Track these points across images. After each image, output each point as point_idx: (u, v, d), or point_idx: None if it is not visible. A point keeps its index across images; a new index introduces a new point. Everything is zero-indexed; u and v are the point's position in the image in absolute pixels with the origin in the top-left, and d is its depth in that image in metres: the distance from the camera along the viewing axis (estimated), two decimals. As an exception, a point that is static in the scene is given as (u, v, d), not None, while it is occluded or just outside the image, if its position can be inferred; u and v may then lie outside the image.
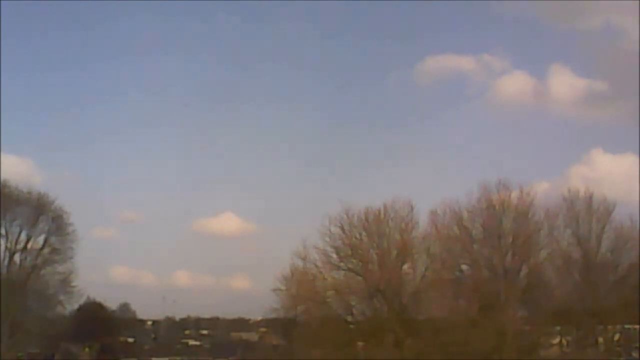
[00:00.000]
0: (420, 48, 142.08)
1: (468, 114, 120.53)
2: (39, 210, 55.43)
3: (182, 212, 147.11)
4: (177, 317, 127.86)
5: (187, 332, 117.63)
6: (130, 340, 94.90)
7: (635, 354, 48.04)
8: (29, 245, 54.98)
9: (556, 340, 49.98)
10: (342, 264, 49.51)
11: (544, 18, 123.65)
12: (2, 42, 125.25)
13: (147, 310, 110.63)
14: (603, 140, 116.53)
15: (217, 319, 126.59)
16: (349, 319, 50.67)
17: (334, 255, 49.36)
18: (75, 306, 64.50)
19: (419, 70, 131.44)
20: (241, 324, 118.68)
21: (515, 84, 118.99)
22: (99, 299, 77.37)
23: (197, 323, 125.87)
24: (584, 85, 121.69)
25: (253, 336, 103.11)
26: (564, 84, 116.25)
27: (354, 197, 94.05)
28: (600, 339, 48.33)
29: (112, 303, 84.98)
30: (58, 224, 56.24)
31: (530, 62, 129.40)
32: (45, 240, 55.70)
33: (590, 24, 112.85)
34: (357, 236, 49.24)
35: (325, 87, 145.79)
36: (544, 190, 51.04)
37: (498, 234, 47.99)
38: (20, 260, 55.07)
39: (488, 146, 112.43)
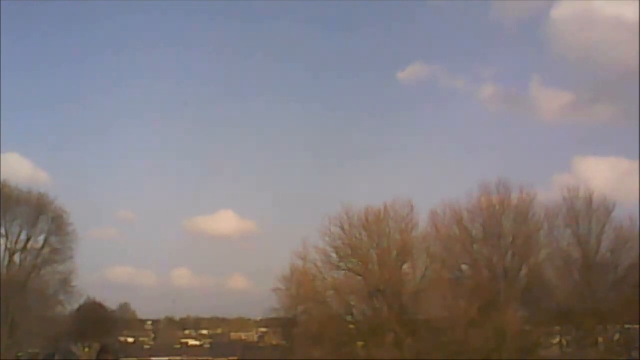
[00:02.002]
0: (415, 54, 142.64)
1: (466, 118, 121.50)
2: (39, 210, 55.39)
3: (182, 212, 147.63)
4: (177, 317, 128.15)
5: (187, 332, 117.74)
6: (130, 340, 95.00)
7: (635, 354, 47.98)
8: (29, 245, 54.96)
9: (556, 340, 49.98)
10: (342, 264, 49.53)
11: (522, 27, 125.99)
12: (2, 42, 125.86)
13: (147, 310, 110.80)
14: (589, 145, 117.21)
15: (217, 319, 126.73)
16: (349, 319, 50.65)
17: (334, 255, 49.44)
18: (75, 306, 64.57)
19: (418, 74, 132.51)
20: (241, 324, 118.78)
21: (498, 91, 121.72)
22: (99, 299, 77.45)
23: (197, 323, 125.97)
24: (565, 93, 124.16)
25: (253, 336, 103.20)
26: (547, 92, 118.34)
27: (354, 197, 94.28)
28: (600, 339, 48.31)
29: (112, 303, 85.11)
30: (58, 224, 56.20)
31: (513, 72, 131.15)
32: (45, 240, 55.69)
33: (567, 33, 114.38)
34: (357, 236, 49.27)
35: (327, 88, 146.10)
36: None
37: (498, 234, 48.02)
38: (20, 260, 55.06)
39: (474, 153, 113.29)
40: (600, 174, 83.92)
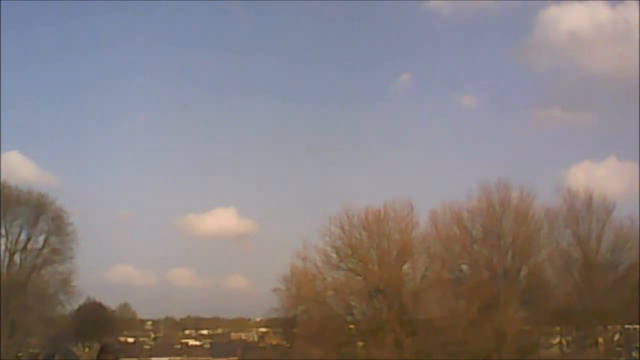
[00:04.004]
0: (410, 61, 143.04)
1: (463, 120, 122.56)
2: (39, 210, 55.39)
3: (182, 212, 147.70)
4: (177, 317, 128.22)
5: (187, 332, 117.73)
6: (130, 340, 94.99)
7: (635, 354, 48.01)
8: (29, 245, 54.96)
9: (556, 340, 49.99)
10: (342, 264, 49.49)
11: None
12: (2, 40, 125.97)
13: (147, 310, 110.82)
14: (577, 150, 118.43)
15: (217, 319, 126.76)
16: (349, 319, 50.62)
17: (334, 255, 49.38)
18: (75, 306, 64.48)
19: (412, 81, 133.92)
20: (241, 324, 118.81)
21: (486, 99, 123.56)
22: (99, 299, 77.42)
23: (197, 323, 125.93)
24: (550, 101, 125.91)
25: (253, 336, 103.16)
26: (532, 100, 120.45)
27: (354, 197, 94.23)
28: (600, 339, 48.31)
29: (112, 303, 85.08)
30: (58, 224, 56.20)
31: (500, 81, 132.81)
32: (45, 240, 55.69)
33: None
34: (357, 236, 49.22)
35: (328, 88, 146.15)
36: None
37: (498, 234, 47.98)
38: (20, 260, 55.07)
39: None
40: (582, 177, 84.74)
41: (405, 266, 49.26)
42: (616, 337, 49.20)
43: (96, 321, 73.81)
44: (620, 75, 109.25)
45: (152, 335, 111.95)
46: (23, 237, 54.88)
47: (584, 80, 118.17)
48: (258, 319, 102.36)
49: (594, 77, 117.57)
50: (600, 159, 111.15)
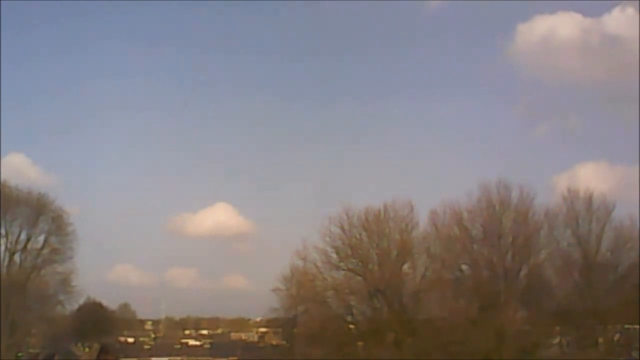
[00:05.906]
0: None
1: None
2: (39, 210, 55.35)
3: (182, 212, 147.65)
4: (177, 317, 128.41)
5: (187, 332, 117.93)
6: (130, 340, 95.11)
7: (635, 354, 47.97)
8: (29, 245, 54.92)
9: (556, 340, 49.95)
10: (342, 264, 49.52)
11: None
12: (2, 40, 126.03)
13: (147, 310, 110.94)
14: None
15: (217, 319, 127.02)
16: (349, 319, 50.65)
17: (334, 255, 49.43)
18: (75, 306, 64.54)
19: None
20: (241, 324, 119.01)
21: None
22: (99, 299, 77.50)
23: (197, 323, 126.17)
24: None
25: (253, 336, 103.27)
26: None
27: (354, 197, 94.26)
28: (600, 339, 48.27)
29: (112, 303, 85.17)
30: (58, 224, 56.17)
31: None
32: (45, 240, 55.64)
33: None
34: (357, 236, 49.27)
35: (328, 87, 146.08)
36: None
37: (498, 234, 47.97)
38: (20, 260, 55.03)
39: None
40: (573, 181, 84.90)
41: (405, 266, 49.32)
42: (616, 337, 49.15)
43: (96, 321, 73.95)
44: (601, 81, 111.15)
45: (152, 335, 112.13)
46: (23, 237, 54.89)
47: (570, 86, 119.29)
48: (258, 319, 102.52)
49: (577, 83, 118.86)
50: (591, 162, 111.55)
